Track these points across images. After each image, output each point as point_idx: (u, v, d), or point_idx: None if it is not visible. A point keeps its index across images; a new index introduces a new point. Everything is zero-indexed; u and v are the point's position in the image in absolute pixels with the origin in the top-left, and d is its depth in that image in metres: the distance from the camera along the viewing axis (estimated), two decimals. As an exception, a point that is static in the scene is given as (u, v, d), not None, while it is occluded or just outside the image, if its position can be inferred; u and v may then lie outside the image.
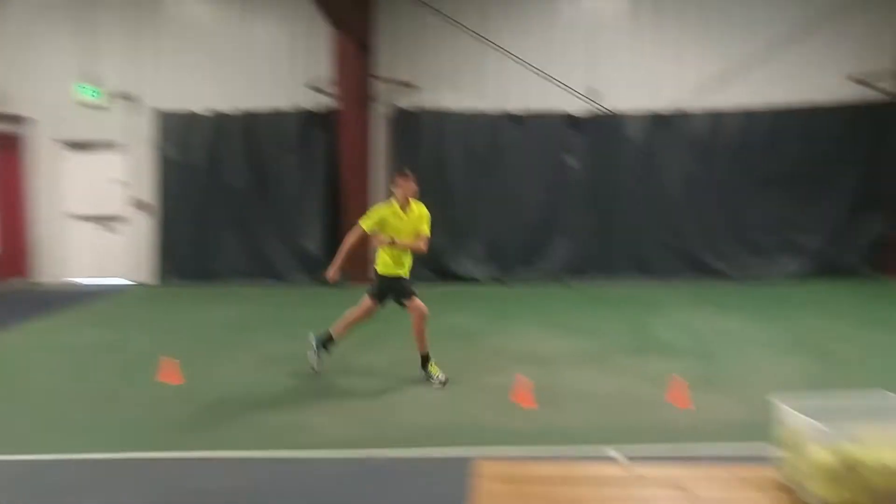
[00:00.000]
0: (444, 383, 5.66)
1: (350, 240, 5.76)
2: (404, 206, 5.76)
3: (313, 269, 10.94)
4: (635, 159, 10.77)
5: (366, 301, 5.87)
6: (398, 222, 5.72)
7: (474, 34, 10.81)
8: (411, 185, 5.77)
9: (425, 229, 5.84)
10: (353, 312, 5.92)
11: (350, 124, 10.27)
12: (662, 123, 10.70)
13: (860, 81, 10.47)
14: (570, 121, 10.78)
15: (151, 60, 11.13)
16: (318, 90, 10.88)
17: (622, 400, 5.29)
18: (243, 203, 11.04)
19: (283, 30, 11.07)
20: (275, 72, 11.07)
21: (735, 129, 10.64)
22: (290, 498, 3.76)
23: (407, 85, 10.91)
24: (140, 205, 11.31)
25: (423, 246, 5.84)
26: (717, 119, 10.67)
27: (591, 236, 10.93)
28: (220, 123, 10.98)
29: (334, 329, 5.96)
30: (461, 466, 3.99)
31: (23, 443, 4.52)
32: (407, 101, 10.98)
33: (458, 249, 11.03)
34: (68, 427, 4.86)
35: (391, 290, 5.85)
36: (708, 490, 2.40)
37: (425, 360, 5.87)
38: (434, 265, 10.92)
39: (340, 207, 10.78)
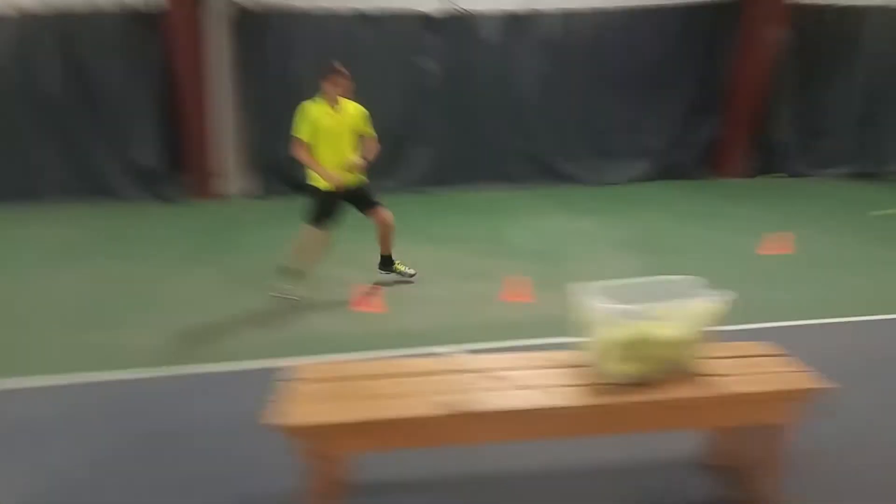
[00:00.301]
0: (413, 274, 5.86)
1: (304, 156, 5.33)
2: (334, 104, 5.37)
3: (149, 183, 10.14)
4: (491, 62, 10.60)
5: (308, 232, 5.43)
6: (331, 122, 5.33)
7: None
8: (345, 82, 5.37)
9: (369, 130, 5.55)
10: (301, 246, 5.48)
11: (181, 25, 9.27)
12: (517, 23, 10.53)
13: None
14: (426, 22, 10.37)
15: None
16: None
17: (468, 301, 5.41)
18: (64, 114, 9.82)
19: None
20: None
21: (587, 29, 10.70)
22: (111, 418, 3.61)
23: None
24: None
25: (374, 151, 5.60)
26: (569, 19, 10.65)
27: (449, 143, 10.79)
28: (29, 25, 9.51)
29: (290, 260, 5.53)
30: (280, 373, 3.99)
31: None
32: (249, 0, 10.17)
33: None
34: None
35: (343, 203, 5.52)
36: (520, 372, 2.55)
37: (388, 261, 5.90)
38: (287, 177, 10.54)
39: (176, 117, 9.92)
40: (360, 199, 5.62)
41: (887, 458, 3.08)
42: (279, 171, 10.43)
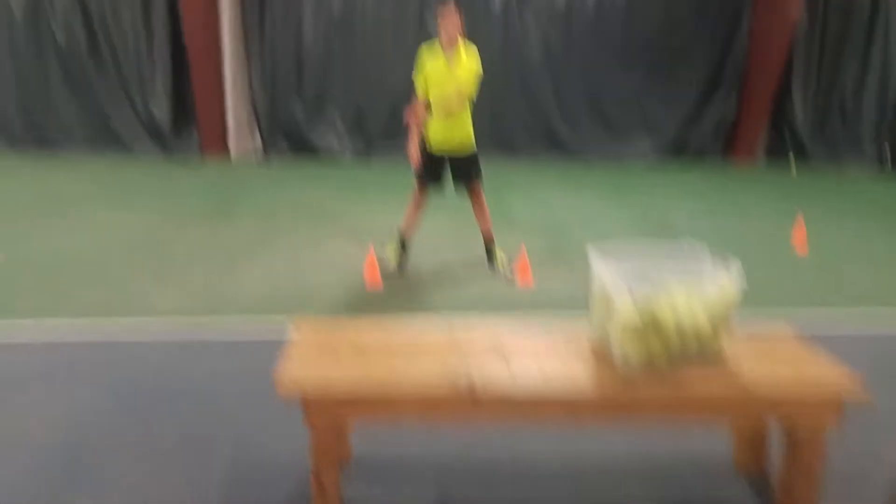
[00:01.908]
0: (510, 278, 5.02)
1: (413, 119, 4.73)
2: (449, 52, 4.61)
3: (160, 136, 10.22)
4: (496, 31, 10.48)
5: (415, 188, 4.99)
6: (440, 77, 4.62)
7: None
8: (454, 21, 4.55)
9: (470, 89, 4.64)
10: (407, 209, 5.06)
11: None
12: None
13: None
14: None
15: None
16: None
17: (467, 273, 5.27)
18: (77, 63, 9.95)
19: None
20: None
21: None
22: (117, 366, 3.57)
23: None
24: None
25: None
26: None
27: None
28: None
29: (401, 227, 5.16)
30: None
31: None
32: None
33: (317, 120, 10.54)
34: None
35: (444, 168, 4.93)
36: (517, 343, 2.48)
37: (490, 249, 5.23)
38: (291, 137, 10.43)
39: (187, 70, 9.94)
40: (461, 169, 4.99)
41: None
42: (285, 130, 10.33)
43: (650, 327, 2.20)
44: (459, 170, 4.97)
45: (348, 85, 10.43)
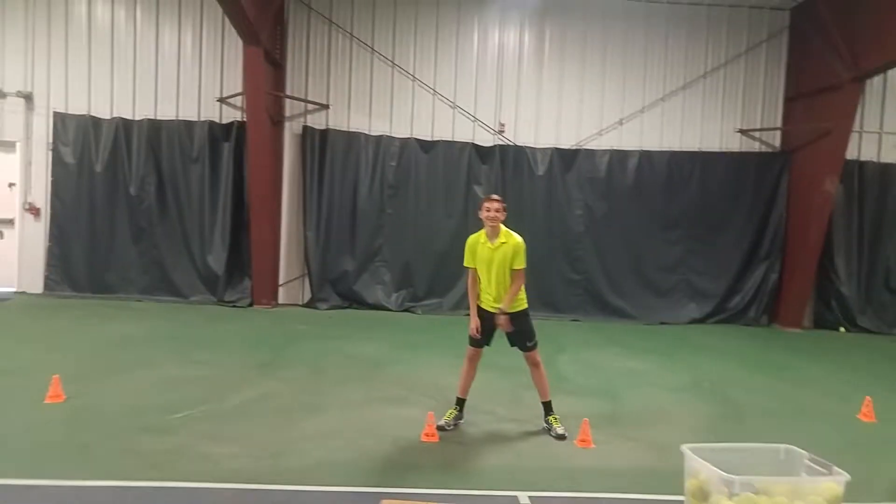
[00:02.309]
0: (563, 436, 5.18)
1: (469, 283, 5.46)
2: (491, 235, 5.30)
3: (214, 287, 10.68)
4: (539, 194, 11.04)
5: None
6: (484, 252, 5.29)
7: (386, 59, 10.99)
8: (490, 212, 5.24)
9: (517, 262, 5.22)
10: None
11: (257, 140, 10.08)
12: (565, 159, 11.06)
13: (745, 132, 11.35)
14: (478, 151, 11.00)
15: (54, 61, 10.70)
16: (227, 103, 10.79)
17: (527, 439, 5.21)
18: (143, 214, 10.67)
19: (193, 40, 10.87)
20: (183, 82, 10.85)
21: (633, 168, 11.11)
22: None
23: (317, 104, 10.91)
24: (32, 209, 10.76)
25: (517, 288, 5.24)
26: (614, 157, 11.11)
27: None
28: (122, 129, 10.62)
29: (458, 389, 5.51)
30: (361, 502, 3.93)
31: None
32: (316, 121, 10.97)
33: (367, 275, 10.98)
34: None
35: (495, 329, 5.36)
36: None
37: (548, 409, 5.45)
38: (341, 289, 10.87)
39: (245, 224, 10.59)
40: (510, 336, 5.41)
41: None
42: (335, 283, 10.80)
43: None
44: (514, 334, 5.35)
45: (397, 243, 10.96)
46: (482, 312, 5.38)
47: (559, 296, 11.09)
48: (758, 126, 11.39)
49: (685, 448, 2.30)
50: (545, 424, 5.39)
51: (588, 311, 11.14)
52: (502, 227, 5.32)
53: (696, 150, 11.27)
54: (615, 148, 11.16)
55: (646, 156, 11.14)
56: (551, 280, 11.07)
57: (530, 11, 11.13)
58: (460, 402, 5.45)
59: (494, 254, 5.25)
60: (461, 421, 5.43)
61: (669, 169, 11.14)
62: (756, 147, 11.42)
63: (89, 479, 4.10)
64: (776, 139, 11.45)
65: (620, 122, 11.24)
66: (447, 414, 5.38)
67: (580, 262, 11.17)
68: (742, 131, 11.35)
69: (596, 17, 11.19)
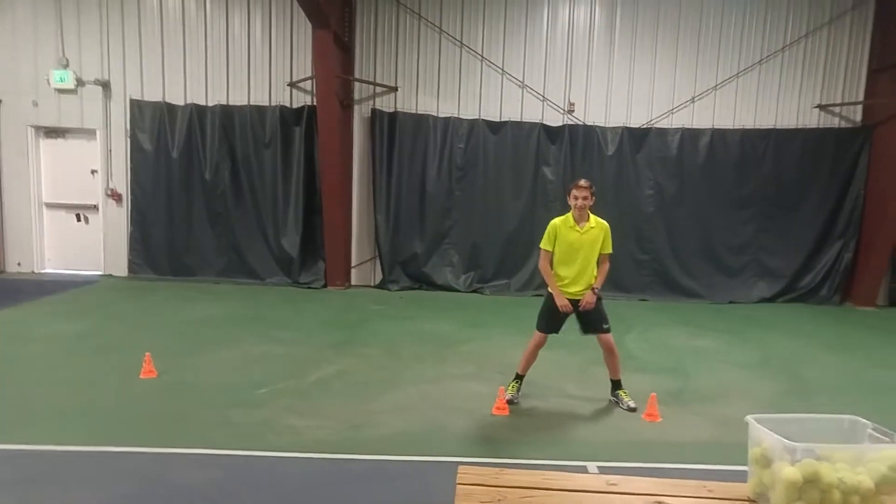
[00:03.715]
0: (633, 409, 5.44)
1: (544, 266, 5.51)
2: (579, 220, 5.39)
3: (289, 269, 10.96)
4: (609, 173, 10.92)
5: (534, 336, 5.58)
6: (572, 235, 5.37)
7: (454, 40, 10.94)
8: (578, 199, 5.30)
9: (607, 246, 5.44)
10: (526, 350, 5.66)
11: (328, 124, 10.19)
12: (635, 138, 10.90)
13: (824, 108, 10.95)
14: (547, 131, 10.91)
15: (129, 49, 10.96)
16: (297, 87, 10.93)
17: (595, 414, 5.41)
18: (219, 199, 10.96)
19: (263, 25, 10.98)
20: (253, 67, 11.00)
21: (705, 147, 10.88)
22: (261, 494, 3.79)
23: (385, 86, 10.97)
24: (114, 194, 11.20)
25: (606, 269, 5.49)
26: (687, 136, 10.90)
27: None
28: (196, 115, 10.89)
29: (520, 367, 5.72)
30: (434, 472, 4.11)
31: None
32: (385, 103, 11.03)
33: (436, 257, 11.09)
34: (41, 418, 4.83)
35: (568, 315, 5.50)
36: (680, 502, 2.50)
37: (616, 385, 5.67)
38: (411, 270, 11.02)
39: (317, 207, 10.79)
40: (587, 318, 5.52)
41: None
42: (405, 264, 10.95)
43: (811, 484, 2.20)
44: (588, 319, 5.49)
45: (466, 225, 11.02)
46: (553, 309, 5.47)
47: (627, 276, 11.02)
48: (838, 101, 10.97)
49: (749, 418, 2.37)
50: (612, 398, 5.65)
51: (656, 290, 11.08)
52: (589, 211, 5.43)
53: (771, 126, 10.94)
54: (686, 126, 10.94)
55: (718, 134, 10.89)
56: (620, 260, 10.83)
57: (600, -14, 10.90)
58: (520, 378, 5.68)
59: (584, 237, 5.37)
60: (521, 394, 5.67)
61: (742, 147, 10.88)
62: (836, 123, 11.01)
63: (187, 447, 4.42)
64: (857, 114, 11.02)
65: (692, 100, 11.00)
66: (510, 387, 5.62)
67: (649, 243, 11.07)
68: (821, 106, 10.96)
69: (668, -10, 10.89)
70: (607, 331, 5.48)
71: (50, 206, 11.41)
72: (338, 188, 10.56)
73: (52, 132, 11.29)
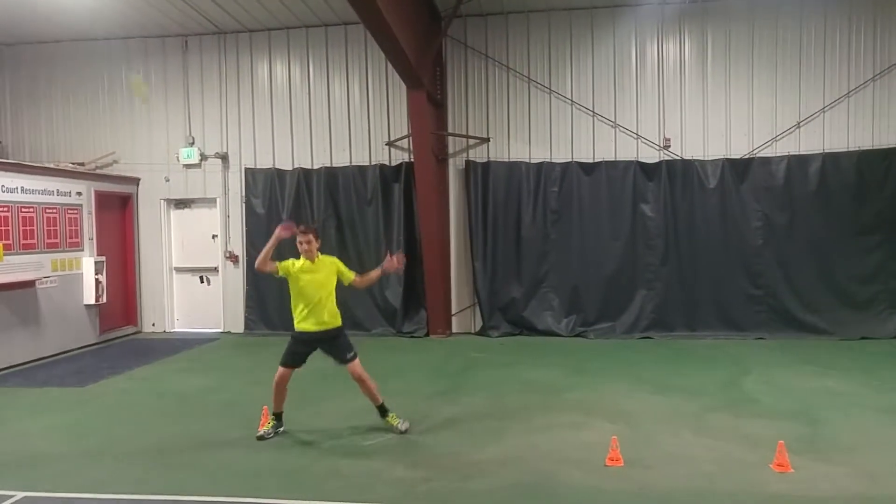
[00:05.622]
0: (405, 431, 5.85)
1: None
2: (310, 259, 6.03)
3: (392, 319, 11.28)
4: (712, 208, 10.54)
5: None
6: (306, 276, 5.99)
7: (543, 87, 11.09)
8: (303, 245, 5.98)
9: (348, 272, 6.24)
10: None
11: (425, 178, 10.56)
12: (737, 169, 10.49)
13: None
14: (643, 169, 10.72)
15: (244, 122, 11.93)
16: (395, 146, 11.43)
17: (717, 462, 5.05)
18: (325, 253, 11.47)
19: (361, 90, 11.62)
20: (354, 130, 11.63)
21: (816, 172, 10.29)
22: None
23: (478, 138, 11.24)
24: (231, 257, 12.01)
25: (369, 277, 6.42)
26: (793, 163, 10.37)
27: (671, 288, 10.66)
28: (303, 178, 11.60)
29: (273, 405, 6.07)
30: None
31: (141, 482, 4.89)
32: (478, 154, 11.28)
33: (535, 301, 11.04)
34: (173, 469, 5.21)
35: (312, 348, 5.94)
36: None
37: (383, 412, 6.00)
38: (511, 316, 11.01)
39: (418, 258, 11.09)
40: (331, 353, 5.94)
41: None
42: (504, 310, 10.97)
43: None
44: (330, 350, 6.03)
45: (563, 268, 10.92)
46: (304, 336, 5.89)
47: (740, 313, 10.50)
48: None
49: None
50: (385, 425, 5.91)
51: (773, 327, 10.42)
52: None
53: (893, 146, 10.19)
54: (793, 153, 10.42)
55: (830, 158, 10.28)
56: (730, 297, 10.52)
57: (689, 17, 10.75)
58: (277, 416, 5.98)
59: (316, 276, 5.94)
60: (281, 429, 5.96)
61: (859, 170, 10.19)
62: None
63: (301, 499, 4.55)
64: None
65: (798, 125, 10.49)
66: (267, 425, 5.92)
67: (761, 277, 10.48)
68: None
69: (763, 13, 10.56)
70: (352, 359, 5.81)
71: (178, 270, 12.46)
72: (436, 238, 10.84)
73: (181, 203, 12.40)
